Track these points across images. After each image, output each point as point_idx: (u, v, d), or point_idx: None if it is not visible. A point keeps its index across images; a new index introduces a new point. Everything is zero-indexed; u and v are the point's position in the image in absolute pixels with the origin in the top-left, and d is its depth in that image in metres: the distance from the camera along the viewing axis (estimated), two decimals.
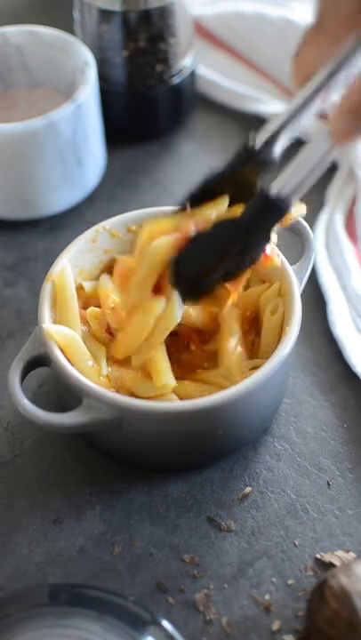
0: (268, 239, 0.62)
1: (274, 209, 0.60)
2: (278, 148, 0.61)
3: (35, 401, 0.67)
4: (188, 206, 0.64)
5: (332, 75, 0.58)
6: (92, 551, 0.65)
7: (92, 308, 0.69)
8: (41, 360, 0.65)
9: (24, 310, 0.79)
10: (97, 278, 0.72)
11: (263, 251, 0.63)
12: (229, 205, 0.64)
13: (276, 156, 0.61)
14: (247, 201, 0.62)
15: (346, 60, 0.57)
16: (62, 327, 0.66)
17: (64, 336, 0.65)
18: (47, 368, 0.67)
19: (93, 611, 0.58)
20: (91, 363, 0.66)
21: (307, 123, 0.61)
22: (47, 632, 0.57)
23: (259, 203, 0.60)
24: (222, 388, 0.64)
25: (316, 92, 0.58)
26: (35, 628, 0.57)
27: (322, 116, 0.62)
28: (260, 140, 0.61)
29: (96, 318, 0.68)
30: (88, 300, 0.70)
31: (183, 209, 0.64)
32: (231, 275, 0.63)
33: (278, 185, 0.59)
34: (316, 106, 0.59)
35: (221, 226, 0.61)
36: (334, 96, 0.58)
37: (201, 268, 0.62)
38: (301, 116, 0.60)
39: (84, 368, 0.65)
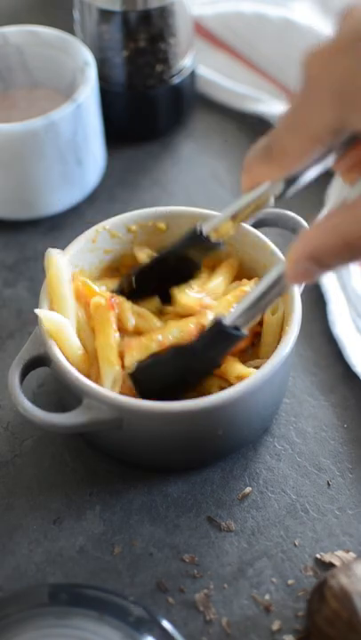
0: (219, 363, 0.65)
1: (228, 337, 0.63)
2: (221, 235, 0.67)
3: (35, 401, 0.67)
4: (134, 282, 0.69)
5: (277, 186, 0.61)
6: (92, 551, 0.65)
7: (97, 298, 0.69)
8: (41, 360, 0.65)
9: (24, 310, 0.79)
10: (97, 278, 0.73)
11: (211, 372, 0.66)
12: (176, 281, 0.69)
13: (218, 242, 0.67)
14: (191, 275, 0.69)
15: (294, 177, 0.60)
16: (54, 313, 0.66)
17: (54, 322, 0.65)
18: (47, 368, 0.67)
19: (93, 611, 0.58)
20: (80, 352, 0.66)
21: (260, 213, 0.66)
22: (47, 632, 0.57)
23: (213, 332, 0.63)
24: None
25: (264, 195, 0.62)
26: (35, 627, 0.57)
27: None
28: (206, 228, 0.66)
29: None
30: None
31: (129, 284, 0.69)
32: (182, 388, 0.66)
33: (234, 315, 0.62)
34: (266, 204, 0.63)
35: (177, 351, 0.64)
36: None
37: (157, 385, 0.65)
38: (249, 213, 0.65)
39: (73, 356, 0.65)
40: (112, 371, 0.65)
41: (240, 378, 0.64)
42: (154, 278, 0.69)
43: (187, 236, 0.67)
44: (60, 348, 0.65)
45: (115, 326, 0.67)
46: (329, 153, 0.57)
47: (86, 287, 0.69)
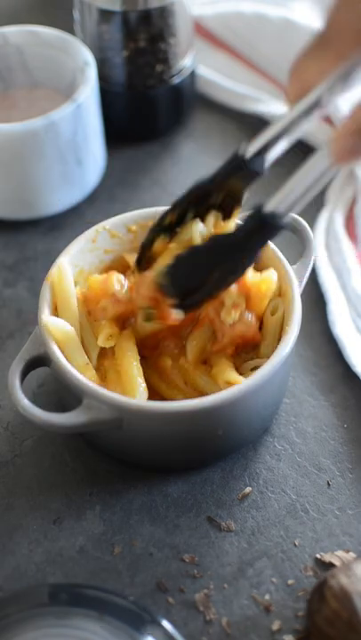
0: (256, 257, 0.62)
1: (269, 227, 0.60)
2: (270, 159, 0.61)
3: (35, 401, 0.67)
4: (175, 214, 0.65)
5: (331, 89, 0.57)
6: (92, 551, 0.65)
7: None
8: (41, 360, 0.65)
9: (24, 310, 0.79)
10: None
11: (247, 269, 0.63)
12: (218, 212, 0.65)
13: (266, 167, 0.61)
14: (234, 209, 0.64)
15: (347, 75, 0.57)
16: (61, 321, 0.66)
17: (62, 331, 0.65)
18: (47, 368, 0.67)
19: (93, 611, 0.58)
20: (87, 361, 0.66)
21: (308, 127, 0.60)
22: (47, 632, 0.57)
23: (255, 220, 0.60)
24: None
25: (314, 106, 0.58)
26: (35, 627, 0.57)
27: (326, 119, 0.62)
28: (251, 149, 0.61)
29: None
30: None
31: (172, 213, 0.65)
32: (215, 290, 0.63)
33: (275, 202, 0.59)
34: (313, 118, 0.59)
35: (217, 241, 0.61)
36: (337, 105, 0.58)
37: (193, 281, 0.62)
38: (296, 128, 0.59)
39: (80, 365, 0.65)
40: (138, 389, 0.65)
41: (229, 384, 0.64)
42: (190, 211, 0.66)
43: (228, 161, 0.62)
44: (65, 357, 0.64)
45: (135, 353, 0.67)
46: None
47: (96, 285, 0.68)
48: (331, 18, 0.56)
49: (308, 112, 0.58)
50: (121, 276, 0.69)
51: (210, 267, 0.62)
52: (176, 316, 0.64)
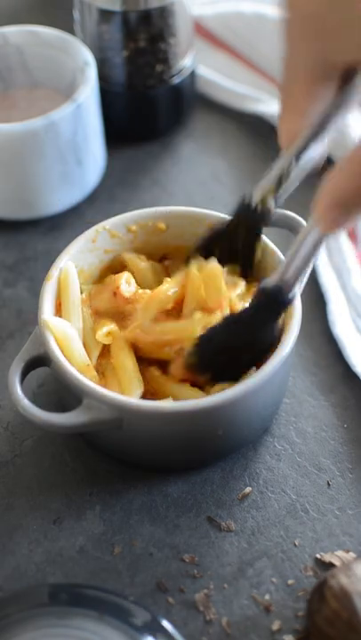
0: (275, 332, 0.64)
1: (278, 304, 0.63)
2: (276, 202, 0.65)
3: (35, 401, 0.67)
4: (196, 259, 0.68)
5: (320, 127, 0.60)
6: (92, 551, 0.65)
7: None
8: (41, 360, 0.65)
9: (24, 310, 0.79)
10: (97, 278, 0.73)
11: (272, 343, 0.65)
12: (227, 260, 0.68)
13: (272, 211, 0.66)
14: (244, 255, 0.69)
15: (332, 112, 0.59)
16: (61, 321, 0.66)
17: (62, 331, 0.65)
18: (47, 368, 0.67)
19: (93, 611, 0.58)
20: (87, 362, 0.66)
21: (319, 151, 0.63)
22: (47, 632, 0.57)
23: (262, 297, 0.63)
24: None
25: (305, 145, 0.61)
26: (35, 627, 0.57)
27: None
28: (255, 197, 0.65)
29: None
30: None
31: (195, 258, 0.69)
32: (247, 365, 0.65)
33: (278, 276, 0.62)
34: (310, 152, 0.62)
35: (231, 320, 0.64)
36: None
37: (221, 356, 0.65)
38: (293, 169, 0.63)
39: (80, 365, 0.65)
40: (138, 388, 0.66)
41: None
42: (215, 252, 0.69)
43: (236, 210, 0.67)
44: (66, 357, 0.65)
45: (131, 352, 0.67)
46: (342, 94, 0.57)
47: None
48: (283, 65, 0.57)
49: (300, 152, 0.61)
50: (131, 278, 0.70)
51: (230, 343, 0.64)
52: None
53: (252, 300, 0.64)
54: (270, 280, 0.63)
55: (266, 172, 0.65)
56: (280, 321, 0.64)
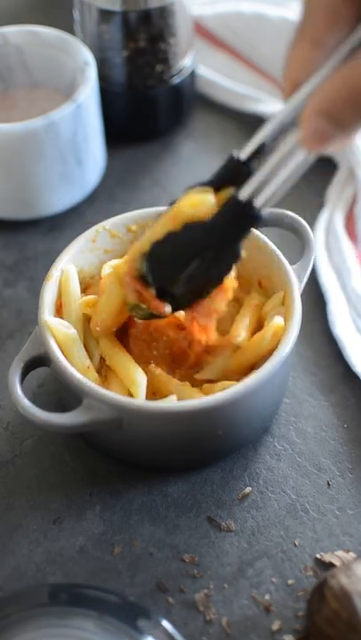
0: (237, 252, 0.60)
1: (245, 218, 0.58)
2: (272, 158, 0.59)
3: (35, 401, 0.67)
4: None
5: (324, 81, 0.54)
6: (92, 551, 0.65)
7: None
8: (41, 360, 0.65)
9: (24, 310, 0.79)
10: (97, 278, 0.72)
11: (230, 267, 0.61)
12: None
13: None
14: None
15: (337, 64, 0.54)
16: (61, 321, 0.66)
17: (62, 331, 0.65)
18: (47, 368, 0.67)
19: (93, 611, 0.58)
20: (87, 363, 0.66)
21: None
22: (47, 632, 0.57)
23: (230, 210, 0.58)
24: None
25: (306, 100, 0.55)
26: (35, 627, 0.57)
27: None
28: (246, 150, 0.59)
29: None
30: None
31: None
32: (199, 285, 0.61)
33: (250, 188, 0.57)
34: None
35: (191, 226, 0.60)
36: None
37: (172, 267, 0.61)
38: (292, 125, 0.57)
39: (80, 365, 0.65)
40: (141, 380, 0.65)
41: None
42: None
43: (224, 165, 0.60)
44: (66, 358, 0.64)
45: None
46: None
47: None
48: (303, 3, 0.52)
49: (301, 107, 0.55)
50: None
51: (187, 252, 0.60)
52: (166, 309, 0.63)
53: (219, 211, 0.59)
54: (243, 192, 0.58)
55: (259, 129, 0.59)
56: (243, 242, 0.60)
